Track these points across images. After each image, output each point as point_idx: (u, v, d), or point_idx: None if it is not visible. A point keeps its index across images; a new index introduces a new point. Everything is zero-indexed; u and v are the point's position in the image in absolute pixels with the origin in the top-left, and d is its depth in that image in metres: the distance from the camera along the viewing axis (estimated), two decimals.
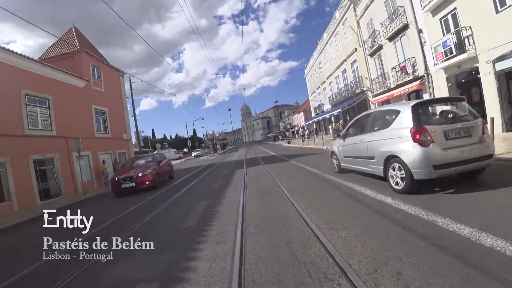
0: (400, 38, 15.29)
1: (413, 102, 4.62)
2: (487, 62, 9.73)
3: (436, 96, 12.45)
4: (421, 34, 13.29)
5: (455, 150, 4.07)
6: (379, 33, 17.18)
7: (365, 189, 5.17)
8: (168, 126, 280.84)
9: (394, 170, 4.58)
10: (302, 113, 57.19)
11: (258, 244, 3.40)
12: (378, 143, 5.00)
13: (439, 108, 4.98)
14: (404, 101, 15.86)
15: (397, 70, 15.34)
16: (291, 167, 10.73)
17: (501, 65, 9.32)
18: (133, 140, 22.88)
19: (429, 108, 4.92)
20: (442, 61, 11.41)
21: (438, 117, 4.66)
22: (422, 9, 12.42)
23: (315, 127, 40.68)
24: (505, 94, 9.51)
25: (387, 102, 18.00)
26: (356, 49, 21.26)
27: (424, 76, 13.22)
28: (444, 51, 11.18)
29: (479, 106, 10.65)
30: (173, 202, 7.37)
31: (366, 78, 20.03)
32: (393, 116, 4.77)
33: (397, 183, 4.53)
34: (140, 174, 10.62)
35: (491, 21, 9.49)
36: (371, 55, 18.90)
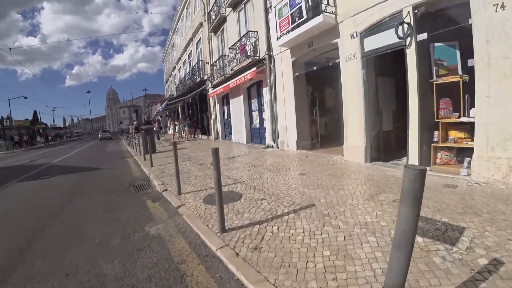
0: (244, 4, 10.36)
1: None
2: (352, 36, 5.40)
3: (277, 92, 7.95)
4: None
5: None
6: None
7: None
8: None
9: None
10: (158, 104, 48.84)
11: None
12: None
13: None
14: (242, 96, 11.07)
15: (237, 51, 10.32)
16: None
17: (372, 43, 5.09)
18: None
19: None
20: (288, 31, 6.70)
21: None
22: None
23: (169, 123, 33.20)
24: (373, 97, 5.37)
25: (225, 97, 13.00)
26: (201, 24, 15.58)
27: (265, 59, 8.49)
28: (291, 15, 6.49)
29: (334, 113, 6.42)
30: None
31: (207, 62, 14.58)
32: None
33: None
34: None
35: None
36: (215, 31, 13.53)
